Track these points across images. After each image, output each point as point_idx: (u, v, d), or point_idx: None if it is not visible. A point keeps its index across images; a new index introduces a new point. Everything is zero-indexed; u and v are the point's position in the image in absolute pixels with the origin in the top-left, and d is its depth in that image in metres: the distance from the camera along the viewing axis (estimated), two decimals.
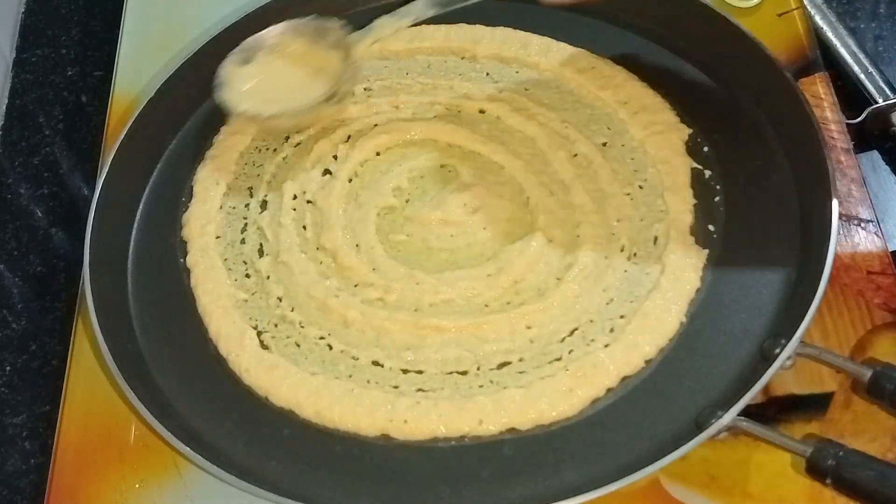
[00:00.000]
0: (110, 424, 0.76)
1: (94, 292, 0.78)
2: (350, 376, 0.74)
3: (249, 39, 0.85)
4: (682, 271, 0.76)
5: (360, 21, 0.95)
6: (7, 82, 1.01)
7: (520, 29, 0.92)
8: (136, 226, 0.86)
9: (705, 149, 0.82)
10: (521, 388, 0.72)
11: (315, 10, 0.96)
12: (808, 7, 0.91)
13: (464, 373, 0.73)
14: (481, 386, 0.73)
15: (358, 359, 0.75)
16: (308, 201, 0.84)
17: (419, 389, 0.73)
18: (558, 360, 0.73)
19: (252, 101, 0.83)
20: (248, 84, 0.84)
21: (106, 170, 0.85)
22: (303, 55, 0.85)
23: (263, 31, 0.86)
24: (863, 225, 0.78)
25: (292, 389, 0.73)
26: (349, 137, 0.88)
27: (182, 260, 0.83)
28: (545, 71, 0.89)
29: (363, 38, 0.84)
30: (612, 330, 0.74)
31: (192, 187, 0.87)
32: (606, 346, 0.73)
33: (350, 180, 0.85)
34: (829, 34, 0.90)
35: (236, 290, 0.80)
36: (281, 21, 0.89)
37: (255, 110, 0.83)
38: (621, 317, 0.74)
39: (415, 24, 0.84)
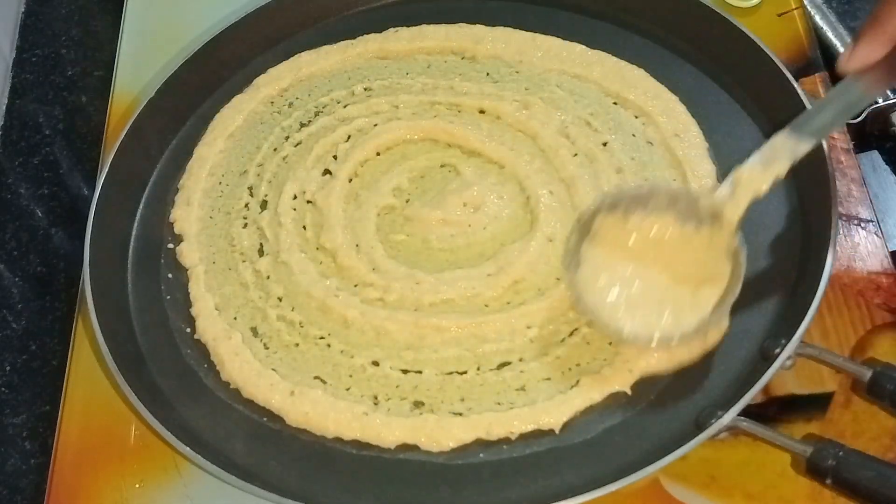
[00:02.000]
0: (110, 424, 0.76)
1: (94, 292, 0.78)
2: (349, 380, 0.74)
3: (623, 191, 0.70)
4: None
5: (359, 21, 0.95)
6: (7, 82, 1.01)
7: (520, 29, 0.92)
8: (136, 226, 0.86)
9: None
10: (521, 390, 0.72)
11: (315, 10, 0.96)
12: (808, 7, 0.91)
13: (463, 373, 0.73)
14: (482, 385, 0.73)
15: (355, 358, 0.75)
16: (308, 201, 0.84)
17: (418, 401, 0.72)
18: (558, 359, 0.73)
19: (623, 311, 0.67)
20: (613, 288, 0.67)
21: (106, 170, 0.85)
22: (669, 241, 0.68)
23: (585, 217, 0.70)
24: (863, 225, 0.78)
25: (288, 399, 0.73)
26: (349, 137, 0.88)
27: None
28: (545, 70, 0.89)
29: (730, 205, 0.66)
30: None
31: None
32: (607, 346, 0.73)
33: (350, 180, 0.85)
34: (829, 34, 0.90)
35: (236, 291, 0.80)
36: (280, 20, 0.89)
37: (639, 333, 0.67)
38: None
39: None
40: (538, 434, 0.70)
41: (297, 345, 0.77)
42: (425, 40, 0.93)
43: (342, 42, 0.94)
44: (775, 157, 0.66)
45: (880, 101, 0.85)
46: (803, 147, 0.66)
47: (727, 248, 0.67)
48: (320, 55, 0.94)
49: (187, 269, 0.82)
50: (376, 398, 0.73)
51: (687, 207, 0.68)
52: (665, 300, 0.68)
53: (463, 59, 0.92)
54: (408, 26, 0.94)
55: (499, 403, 0.71)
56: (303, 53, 0.94)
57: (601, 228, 0.69)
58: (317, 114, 0.90)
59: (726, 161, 0.81)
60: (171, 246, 0.84)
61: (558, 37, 0.91)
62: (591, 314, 0.68)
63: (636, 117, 0.85)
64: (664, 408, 0.70)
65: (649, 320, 0.67)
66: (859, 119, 0.84)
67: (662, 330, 0.66)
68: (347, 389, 0.74)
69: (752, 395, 0.66)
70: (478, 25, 0.93)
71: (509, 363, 0.74)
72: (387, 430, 0.71)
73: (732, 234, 0.67)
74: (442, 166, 0.85)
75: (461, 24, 0.93)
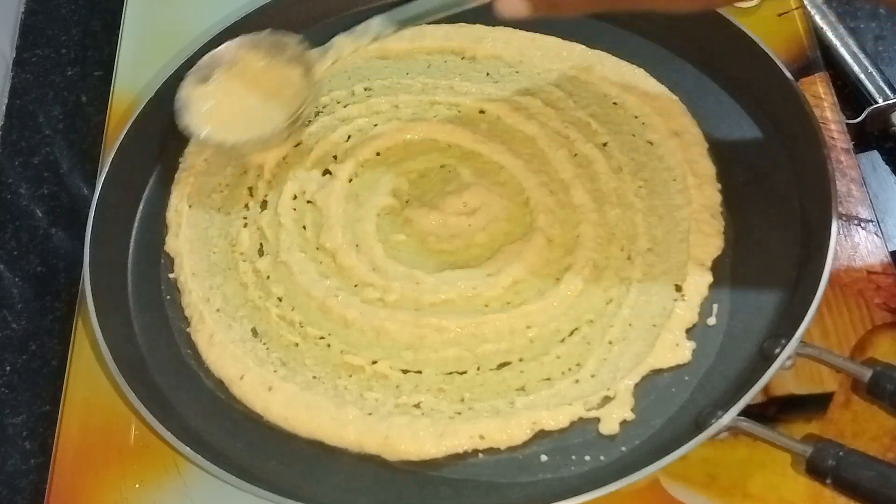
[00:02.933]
0: (110, 424, 0.76)
1: (94, 292, 0.78)
2: (349, 380, 0.74)
3: (206, 57, 0.83)
4: None
5: (359, 21, 0.95)
6: (7, 82, 1.01)
7: (519, 29, 0.92)
8: (136, 226, 0.86)
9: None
10: (521, 390, 0.72)
11: (315, 11, 0.96)
12: (808, 7, 0.91)
13: (463, 373, 0.73)
14: (482, 385, 0.73)
15: (355, 358, 0.75)
16: (308, 201, 0.84)
17: (418, 402, 0.72)
18: (558, 359, 0.73)
19: (214, 125, 0.81)
20: (207, 105, 0.82)
21: (106, 170, 0.85)
22: (261, 72, 0.83)
23: (219, 48, 0.84)
24: (863, 225, 0.78)
25: (287, 407, 0.73)
26: (349, 137, 0.88)
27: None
28: (545, 70, 0.89)
29: (323, 58, 0.81)
30: (611, 328, 0.74)
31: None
32: (607, 345, 0.73)
33: (350, 180, 0.85)
34: (829, 34, 0.90)
35: (236, 290, 0.80)
36: (280, 19, 0.89)
37: (217, 138, 0.81)
38: (621, 317, 0.74)
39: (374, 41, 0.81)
40: (538, 434, 0.70)
41: (296, 345, 0.77)
42: (425, 40, 0.93)
43: None
44: (364, 33, 0.79)
45: (880, 100, 0.85)
46: (387, 31, 0.78)
47: (305, 89, 0.81)
48: None
49: (184, 268, 0.82)
50: (376, 399, 0.73)
51: (291, 54, 0.82)
52: (249, 120, 0.82)
53: (463, 59, 0.92)
54: None
55: (499, 403, 0.71)
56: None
57: (239, 64, 0.83)
58: (317, 114, 0.90)
59: (726, 161, 0.81)
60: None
61: (558, 37, 0.91)
62: (186, 128, 0.81)
63: (636, 117, 0.85)
64: (664, 408, 0.70)
65: (231, 129, 0.81)
66: (859, 119, 0.85)
67: (238, 139, 0.81)
68: (346, 389, 0.74)
69: (752, 395, 0.66)
70: (478, 25, 0.93)
71: (509, 363, 0.74)
72: (386, 430, 0.71)
73: (314, 80, 0.81)
74: (442, 166, 0.85)
75: (461, 23, 0.93)
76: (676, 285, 0.75)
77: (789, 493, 0.67)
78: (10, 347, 0.84)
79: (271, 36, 0.83)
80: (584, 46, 0.90)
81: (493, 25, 0.92)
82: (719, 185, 0.80)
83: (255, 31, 0.84)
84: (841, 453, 0.64)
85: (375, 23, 0.78)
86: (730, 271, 0.76)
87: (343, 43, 0.80)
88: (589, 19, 0.92)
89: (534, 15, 0.66)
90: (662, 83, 0.86)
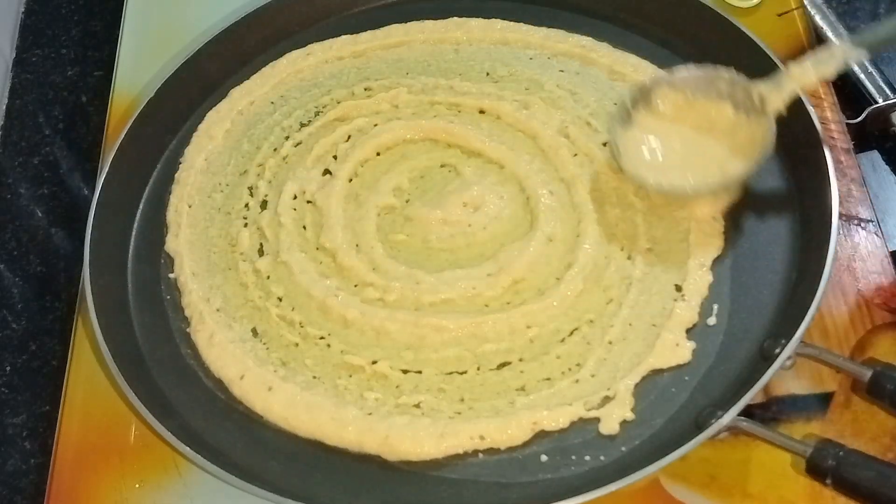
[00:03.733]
0: (110, 424, 0.76)
1: (94, 292, 0.78)
2: (349, 380, 0.74)
3: (627, 96, 0.78)
4: None
5: (360, 21, 0.96)
6: (7, 82, 1.01)
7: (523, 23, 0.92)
8: (136, 226, 0.86)
9: None
10: (521, 390, 0.72)
11: (315, 10, 0.96)
12: (808, 7, 0.91)
13: (463, 373, 0.73)
14: (482, 385, 0.73)
15: (355, 358, 0.75)
16: (308, 201, 0.84)
17: (418, 402, 0.72)
18: (558, 359, 0.73)
19: (661, 170, 0.76)
20: (646, 151, 0.76)
21: (106, 170, 0.85)
22: (686, 108, 0.77)
23: (639, 87, 0.78)
24: (863, 225, 0.78)
25: (287, 407, 0.73)
26: (349, 137, 0.88)
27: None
28: (554, 55, 0.90)
29: (779, 89, 0.74)
30: (611, 328, 0.74)
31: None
32: (607, 345, 0.73)
33: (350, 180, 0.85)
34: (829, 34, 0.90)
35: (236, 290, 0.80)
36: (280, 19, 0.89)
37: (674, 183, 0.75)
38: (621, 317, 0.74)
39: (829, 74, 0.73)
40: (538, 434, 0.70)
41: (296, 345, 0.77)
42: (424, 32, 0.94)
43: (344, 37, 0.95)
44: (827, 60, 0.72)
45: (880, 100, 0.85)
46: (855, 54, 0.71)
47: (763, 131, 0.74)
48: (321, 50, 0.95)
49: (184, 268, 0.82)
50: (376, 399, 0.73)
51: (742, 94, 0.75)
52: (700, 167, 0.76)
53: (457, 50, 0.92)
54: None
55: (499, 403, 0.71)
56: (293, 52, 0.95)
57: (662, 101, 0.77)
58: (317, 114, 0.90)
59: None
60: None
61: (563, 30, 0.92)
62: (627, 169, 0.76)
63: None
64: (664, 408, 0.70)
65: (681, 178, 0.76)
66: (859, 119, 0.84)
67: (691, 183, 0.75)
68: (346, 389, 0.74)
69: (752, 395, 0.66)
70: (474, 19, 0.93)
71: (509, 363, 0.74)
72: (386, 430, 0.71)
73: (772, 118, 0.74)
74: (442, 166, 0.85)
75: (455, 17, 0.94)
76: (676, 285, 0.75)
77: (789, 493, 0.67)
78: (10, 347, 0.84)
79: (697, 72, 0.78)
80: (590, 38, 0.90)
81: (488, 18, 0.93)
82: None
83: (672, 67, 0.80)
84: (841, 453, 0.64)
85: (841, 47, 0.72)
86: (730, 271, 0.76)
87: (798, 70, 0.74)
88: (589, 19, 0.92)
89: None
90: None
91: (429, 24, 0.94)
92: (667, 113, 0.78)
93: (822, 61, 0.73)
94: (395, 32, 0.94)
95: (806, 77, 0.74)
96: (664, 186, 0.75)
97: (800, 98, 0.79)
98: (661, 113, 0.78)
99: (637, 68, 0.88)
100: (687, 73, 0.78)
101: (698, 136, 0.77)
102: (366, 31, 0.95)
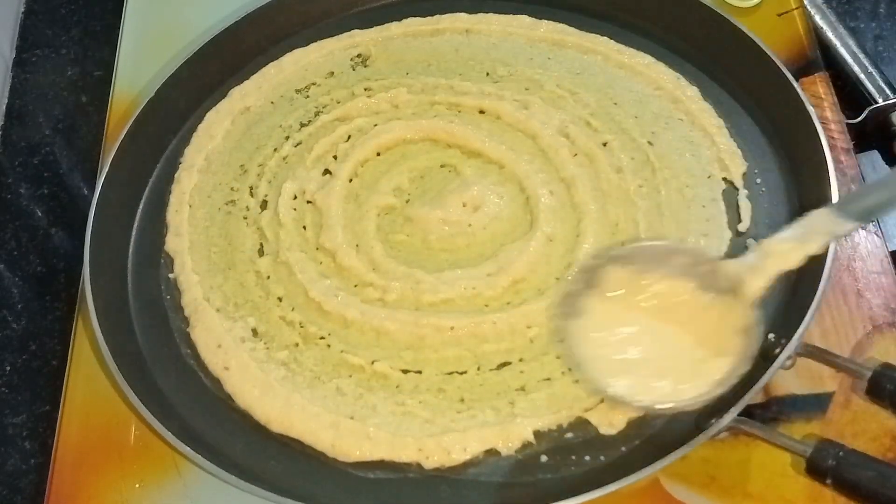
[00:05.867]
0: (110, 424, 0.76)
1: (94, 292, 0.78)
2: (349, 380, 0.74)
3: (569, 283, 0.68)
4: None
5: (359, 21, 0.96)
6: (7, 82, 1.01)
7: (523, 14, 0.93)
8: (136, 226, 0.86)
9: None
10: (521, 390, 0.72)
11: (315, 10, 0.96)
12: (808, 7, 0.91)
13: (463, 373, 0.73)
14: (482, 385, 0.73)
15: (355, 358, 0.75)
16: (308, 201, 0.84)
17: (418, 402, 0.72)
18: (558, 359, 0.73)
19: (621, 373, 0.64)
20: (609, 345, 0.64)
21: (106, 170, 0.85)
22: (647, 294, 0.66)
23: (582, 268, 0.69)
24: (863, 225, 0.78)
25: (286, 408, 0.73)
26: (349, 137, 0.88)
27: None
28: (555, 45, 0.90)
29: (757, 270, 0.62)
30: None
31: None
32: None
33: (350, 180, 0.85)
34: (829, 34, 0.90)
35: (236, 290, 0.80)
36: (280, 19, 0.89)
37: (635, 397, 0.63)
38: None
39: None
40: (538, 434, 0.70)
41: (296, 345, 0.77)
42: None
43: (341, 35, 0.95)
44: (812, 234, 0.62)
45: (880, 100, 0.85)
46: (845, 228, 0.62)
47: (743, 322, 0.62)
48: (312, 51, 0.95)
49: (184, 268, 0.82)
50: (376, 399, 0.73)
51: (707, 272, 0.64)
52: (665, 368, 0.64)
53: (464, 35, 0.93)
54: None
55: (499, 403, 0.71)
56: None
57: (610, 281, 0.66)
58: (317, 114, 0.90)
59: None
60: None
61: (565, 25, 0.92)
62: (578, 367, 0.65)
63: (635, 117, 0.85)
64: None
65: (643, 384, 0.63)
66: (859, 119, 0.85)
67: (656, 398, 0.62)
68: (346, 389, 0.73)
69: (751, 395, 0.66)
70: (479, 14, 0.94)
71: (509, 363, 0.74)
72: (386, 431, 0.71)
73: (750, 307, 0.63)
74: (442, 166, 0.85)
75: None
76: None
77: (789, 493, 0.67)
78: (10, 347, 0.84)
79: (641, 246, 0.67)
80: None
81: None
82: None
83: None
84: (841, 453, 0.64)
85: (821, 219, 0.62)
86: None
87: (779, 248, 0.63)
88: (589, 19, 0.92)
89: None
90: None
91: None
92: (617, 297, 0.67)
93: (807, 237, 0.63)
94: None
95: (790, 257, 0.63)
96: (626, 398, 0.63)
97: (800, 98, 0.79)
98: (611, 298, 0.67)
99: (633, 57, 0.88)
100: (638, 246, 0.68)
101: (657, 323, 0.65)
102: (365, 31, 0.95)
